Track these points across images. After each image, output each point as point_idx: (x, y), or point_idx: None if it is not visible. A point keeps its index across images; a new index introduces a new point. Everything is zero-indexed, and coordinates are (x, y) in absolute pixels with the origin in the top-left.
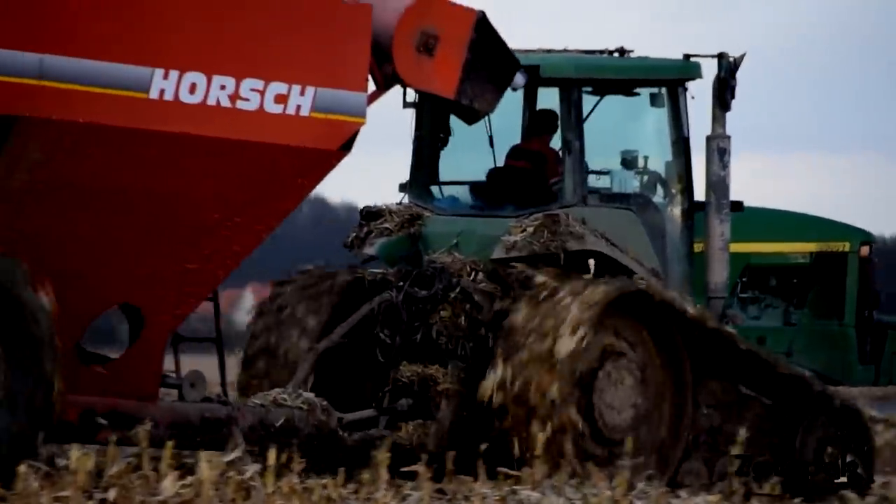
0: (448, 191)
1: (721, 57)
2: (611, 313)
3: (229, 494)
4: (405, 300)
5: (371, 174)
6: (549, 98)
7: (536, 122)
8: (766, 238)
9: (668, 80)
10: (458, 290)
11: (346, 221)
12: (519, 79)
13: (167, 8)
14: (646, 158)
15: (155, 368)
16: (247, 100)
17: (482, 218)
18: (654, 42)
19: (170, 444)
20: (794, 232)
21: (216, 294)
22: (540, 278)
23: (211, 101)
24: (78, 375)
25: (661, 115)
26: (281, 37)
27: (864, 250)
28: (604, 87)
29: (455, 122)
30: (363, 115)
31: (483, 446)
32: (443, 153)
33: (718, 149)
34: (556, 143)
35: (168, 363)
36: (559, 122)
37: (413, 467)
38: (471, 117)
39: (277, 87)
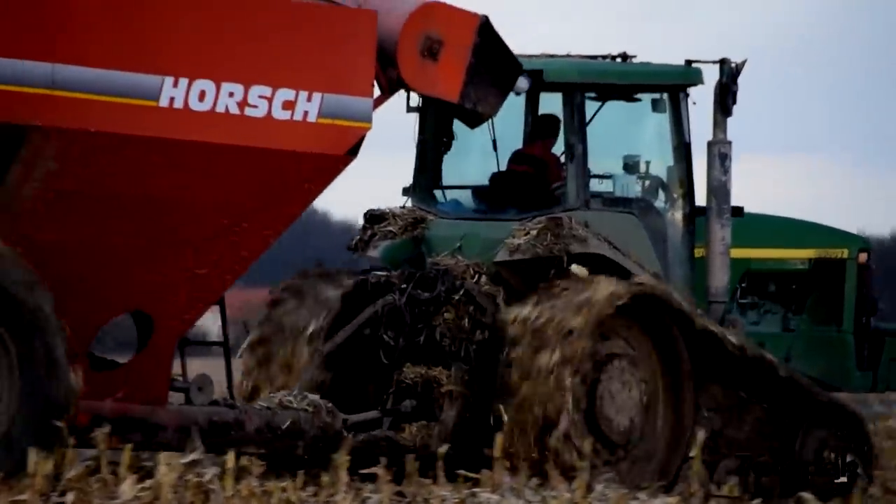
0: (451, 194)
1: (723, 63)
2: (615, 316)
3: (188, 497)
4: (409, 302)
5: (374, 178)
6: (551, 103)
7: (539, 127)
8: (766, 244)
9: (670, 85)
10: (461, 292)
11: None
12: (522, 82)
13: (176, 17)
14: (647, 163)
15: (164, 373)
16: (255, 107)
17: (485, 221)
18: (654, 44)
19: (128, 446)
20: (794, 238)
21: (223, 298)
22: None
23: (220, 109)
24: (88, 381)
25: (663, 120)
26: (288, 43)
27: (863, 257)
28: (606, 92)
29: (458, 126)
30: (369, 121)
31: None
32: (446, 157)
33: (720, 154)
34: (558, 147)
35: (175, 367)
36: (562, 127)
37: (372, 469)
38: (474, 121)
39: (285, 94)
